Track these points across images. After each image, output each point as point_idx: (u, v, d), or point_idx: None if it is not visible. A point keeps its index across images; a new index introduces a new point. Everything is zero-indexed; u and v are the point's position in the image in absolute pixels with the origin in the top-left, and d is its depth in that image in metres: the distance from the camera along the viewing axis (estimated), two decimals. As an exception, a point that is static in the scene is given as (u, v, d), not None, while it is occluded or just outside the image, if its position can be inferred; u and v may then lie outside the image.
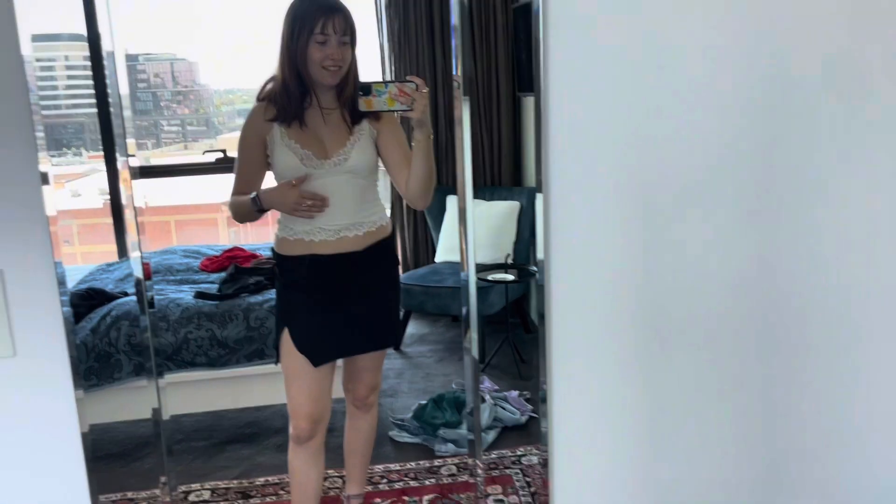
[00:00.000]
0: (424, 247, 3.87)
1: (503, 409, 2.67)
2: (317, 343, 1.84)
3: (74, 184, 5.44)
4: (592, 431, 1.33)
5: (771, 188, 1.30)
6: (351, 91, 1.75)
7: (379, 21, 3.68)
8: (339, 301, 1.84)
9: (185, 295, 2.80)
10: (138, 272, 2.05)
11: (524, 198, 3.62)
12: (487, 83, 3.79)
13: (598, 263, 1.28)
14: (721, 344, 1.33)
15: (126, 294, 2.87)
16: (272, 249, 1.91)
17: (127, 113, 1.54)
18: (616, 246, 1.28)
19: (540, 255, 1.29)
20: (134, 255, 2.33)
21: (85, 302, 2.77)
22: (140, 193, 1.50)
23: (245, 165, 1.84)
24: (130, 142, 1.54)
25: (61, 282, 1.18)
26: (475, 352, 1.57)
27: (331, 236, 1.79)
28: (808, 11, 1.24)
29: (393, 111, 1.61)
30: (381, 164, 1.90)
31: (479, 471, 2.18)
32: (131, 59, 5.70)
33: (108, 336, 2.58)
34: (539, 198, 1.28)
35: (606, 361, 1.31)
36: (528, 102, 3.71)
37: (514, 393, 2.78)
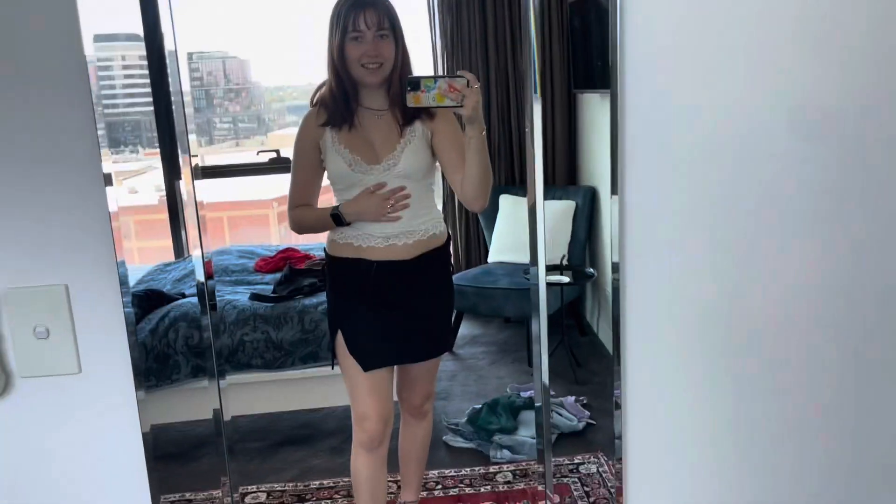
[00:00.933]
0: (476, 247, 3.82)
1: (559, 415, 2.60)
2: (367, 347, 1.83)
3: (132, 181, 5.60)
4: (670, 442, 1.27)
5: (856, 190, 1.21)
6: (399, 89, 1.69)
7: (431, 18, 3.64)
8: (389, 307, 1.81)
9: (241, 297, 2.81)
10: (200, 275, 2.07)
11: (579, 197, 3.54)
12: (542, 80, 3.71)
13: (674, 267, 1.22)
14: (811, 353, 1.26)
15: (184, 295, 2.90)
16: (324, 249, 1.89)
17: (189, 110, 1.59)
18: (694, 249, 1.22)
19: (615, 257, 1.25)
20: (195, 253, 2.36)
21: (144, 303, 2.80)
22: (197, 191, 1.53)
23: (301, 172, 1.82)
24: (192, 139, 1.57)
25: (123, 283, 1.17)
26: (545, 354, 1.54)
27: (380, 243, 1.75)
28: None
29: (442, 107, 1.56)
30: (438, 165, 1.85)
31: (548, 473, 2.13)
32: (185, 57, 5.77)
33: (167, 337, 2.60)
34: (614, 199, 1.24)
35: (685, 369, 1.25)
36: (585, 100, 3.62)
37: (571, 398, 2.72)
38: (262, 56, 5.63)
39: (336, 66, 1.68)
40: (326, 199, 2.04)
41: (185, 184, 2.07)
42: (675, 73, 1.17)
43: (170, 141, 3.67)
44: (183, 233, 3.76)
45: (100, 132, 1.13)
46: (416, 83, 1.49)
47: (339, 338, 1.83)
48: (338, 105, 1.72)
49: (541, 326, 1.53)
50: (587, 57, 3.21)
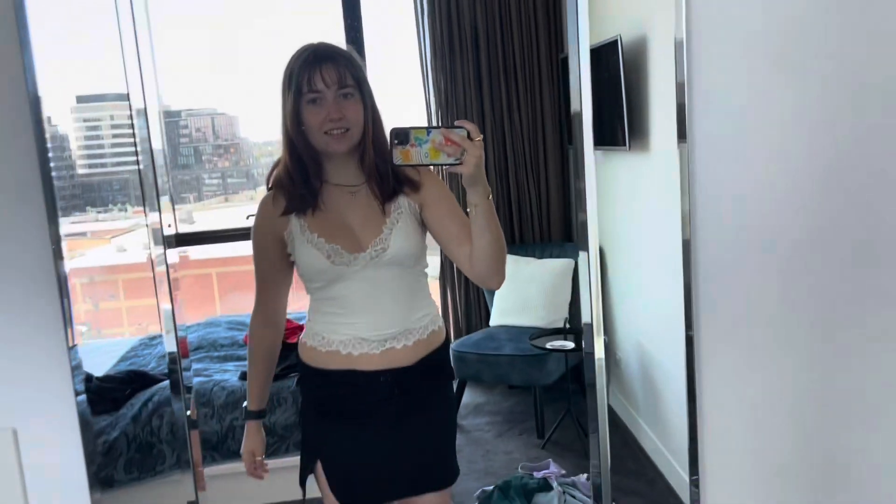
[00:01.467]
0: (477, 310, 3.69)
1: (573, 496, 2.44)
2: (358, 483, 1.48)
3: (120, 239, 5.46)
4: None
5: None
6: (373, 158, 1.41)
7: (424, 75, 3.57)
8: (386, 429, 1.46)
9: (231, 375, 2.66)
10: (171, 347, 1.95)
11: (577, 254, 3.42)
12: (533, 134, 3.64)
13: (752, 329, 1.17)
14: None
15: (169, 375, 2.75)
16: (297, 357, 1.51)
17: (161, 169, 1.50)
18: (772, 307, 1.23)
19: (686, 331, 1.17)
20: (169, 337, 2.20)
21: (125, 386, 2.64)
22: (177, 251, 1.40)
23: (264, 271, 1.49)
24: (182, 195, 1.46)
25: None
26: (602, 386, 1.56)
27: (374, 349, 1.41)
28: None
29: (438, 165, 1.24)
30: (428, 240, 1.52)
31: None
32: (174, 115, 5.79)
33: (150, 425, 2.44)
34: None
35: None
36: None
37: (583, 477, 2.56)
38: (249, 112, 5.56)
39: (292, 135, 1.37)
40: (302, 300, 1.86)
41: (151, 250, 1.94)
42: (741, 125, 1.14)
43: (157, 201, 3.51)
44: (170, 301, 3.58)
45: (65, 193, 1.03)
46: (404, 136, 1.21)
47: (319, 468, 1.50)
48: (297, 185, 1.40)
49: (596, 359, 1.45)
50: (594, 113, 3.14)
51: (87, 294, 6.28)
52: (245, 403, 1.60)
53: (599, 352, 1.49)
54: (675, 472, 2.47)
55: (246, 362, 2.92)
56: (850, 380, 1.32)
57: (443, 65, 3.52)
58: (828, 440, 1.33)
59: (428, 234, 1.50)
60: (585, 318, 1.50)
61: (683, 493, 2.27)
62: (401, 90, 3.74)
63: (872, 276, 1.31)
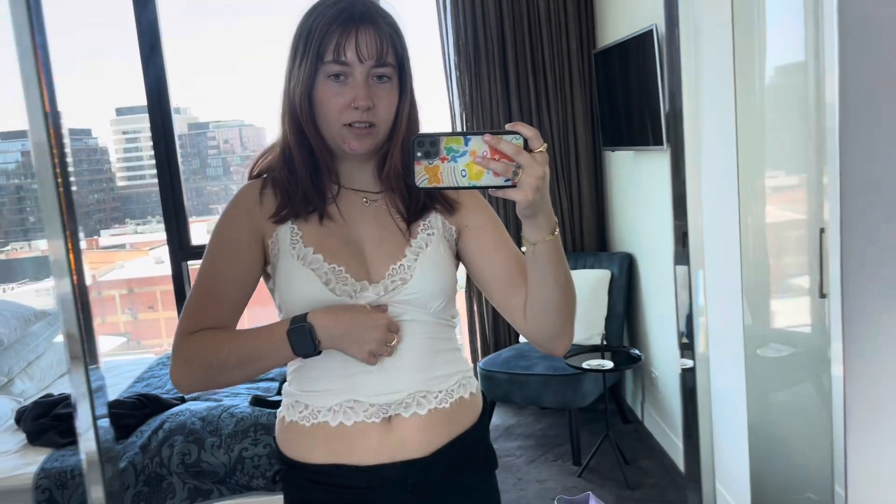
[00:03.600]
0: (505, 324, 3.48)
1: (614, 534, 2.21)
2: None
3: (158, 251, 5.45)
4: None
5: None
6: (398, 166, 1.02)
7: (448, 75, 3.38)
8: None
9: (241, 401, 2.50)
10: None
11: (615, 266, 3.20)
12: (564, 136, 3.42)
13: None
14: None
15: (183, 400, 2.61)
16: (275, 445, 1.10)
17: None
18: None
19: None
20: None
21: (136, 412, 2.51)
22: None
23: (216, 276, 1.02)
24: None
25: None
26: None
27: (373, 416, 1.00)
28: None
29: (481, 188, 0.86)
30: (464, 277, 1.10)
31: None
32: (202, 126, 5.80)
33: (160, 455, 2.29)
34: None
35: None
36: (615, 158, 3.31)
37: (626, 511, 2.33)
38: (276, 123, 5.59)
39: (301, 118, 0.99)
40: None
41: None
42: None
43: (175, 215, 3.39)
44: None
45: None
46: (431, 145, 0.84)
47: None
48: (301, 184, 1.02)
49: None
50: (627, 111, 2.92)
51: (126, 305, 6.30)
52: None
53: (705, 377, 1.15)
54: (724, 500, 2.23)
55: (258, 384, 2.77)
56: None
57: (467, 63, 3.32)
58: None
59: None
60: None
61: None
62: (422, 90, 3.57)
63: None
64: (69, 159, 1.09)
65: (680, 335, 1.09)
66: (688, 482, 1.14)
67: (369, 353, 0.97)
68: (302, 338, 0.95)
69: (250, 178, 1.08)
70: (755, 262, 1.88)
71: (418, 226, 1.04)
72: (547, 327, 1.00)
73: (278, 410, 1.10)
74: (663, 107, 2.52)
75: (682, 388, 1.08)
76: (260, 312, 1.13)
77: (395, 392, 1.01)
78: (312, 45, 0.96)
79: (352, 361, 1.00)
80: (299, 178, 1.02)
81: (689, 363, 1.11)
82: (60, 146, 1.05)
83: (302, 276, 1.00)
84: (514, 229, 0.96)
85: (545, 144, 0.84)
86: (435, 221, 1.05)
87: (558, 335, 1.00)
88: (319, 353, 0.97)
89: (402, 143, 1.02)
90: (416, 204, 1.05)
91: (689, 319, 1.04)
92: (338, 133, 0.99)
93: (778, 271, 1.89)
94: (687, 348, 1.06)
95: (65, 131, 1.09)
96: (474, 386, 1.09)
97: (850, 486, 0.91)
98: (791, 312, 1.88)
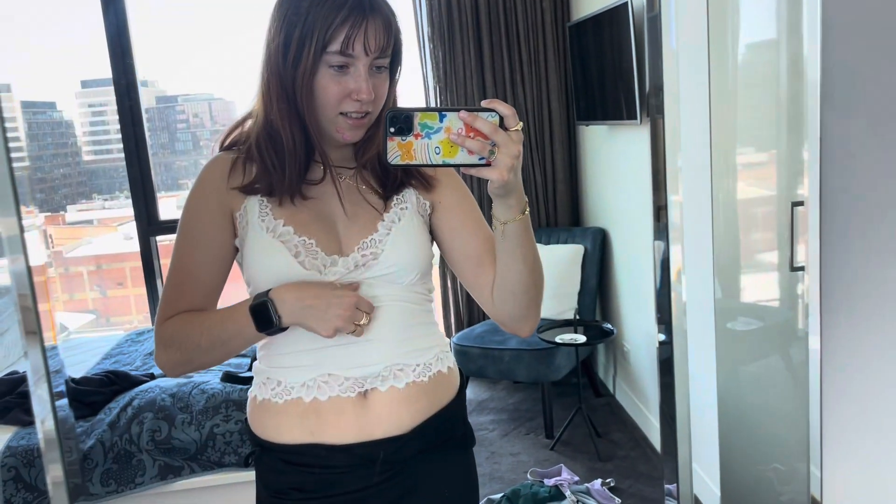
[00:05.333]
0: (479, 298, 3.49)
1: (586, 505, 2.25)
2: None
3: (126, 227, 5.35)
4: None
5: None
6: (380, 137, 0.97)
7: (421, 48, 3.33)
8: None
9: (212, 377, 2.47)
10: None
11: (588, 240, 3.21)
12: (538, 110, 3.41)
13: None
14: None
15: (153, 376, 2.57)
16: (246, 423, 1.09)
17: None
18: None
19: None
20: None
21: (105, 388, 2.47)
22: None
23: (189, 257, 1.00)
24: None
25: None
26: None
27: (348, 390, 0.98)
28: None
29: (455, 166, 0.84)
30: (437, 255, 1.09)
31: None
32: (170, 100, 5.68)
33: (129, 432, 2.26)
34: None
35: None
36: (589, 133, 3.31)
37: (597, 483, 2.37)
38: (246, 97, 5.49)
39: (301, 105, 0.96)
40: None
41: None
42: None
43: (143, 190, 3.32)
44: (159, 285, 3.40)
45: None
46: (406, 121, 0.81)
47: None
48: (284, 165, 0.98)
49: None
50: (601, 85, 2.91)
51: (95, 282, 6.19)
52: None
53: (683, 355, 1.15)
54: (696, 475, 2.27)
55: (231, 360, 2.74)
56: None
57: (441, 36, 3.28)
58: None
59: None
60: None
61: (705, 498, 2.09)
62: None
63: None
64: (20, 133, 1.05)
65: (658, 309, 1.09)
66: (664, 456, 1.15)
67: (334, 330, 0.94)
68: (264, 314, 0.94)
69: (221, 149, 1.05)
70: (726, 237, 1.89)
71: (392, 201, 1.03)
72: (513, 308, 1.00)
73: (249, 390, 1.07)
74: (637, 81, 2.51)
75: (660, 362, 1.08)
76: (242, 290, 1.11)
77: (370, 364, 0.99)
78: (317, 32, 0.93)
79: (329, 340, 0.98)
80: (289, 159, 0.98)
81: (662, 337, 1.12)
82: (1, 120, 1.00)
83: (270, 248, 0.97)
84: (486, 208, 0.95)
85: (521, 123, 0.83)
86: (409, 196, 1.04)
87: (524, 316, 1.01)
88: (284, 329, 0.96)
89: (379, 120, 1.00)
90: (393, 181, 1.03)
91: (667, 294, 1.04)
92: (332, 120, 0.97)
93: (746, 246, 1.91)
94: (663, 322, 1.06)
95: (15, 104, 1.05)
96: (451, 361, 1.08)
97: (825, 462, 0.92)
98: (760, 287, 1.91)
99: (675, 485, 1.15)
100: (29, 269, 1.07)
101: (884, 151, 0.95)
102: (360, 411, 0.99)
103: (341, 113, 0.96)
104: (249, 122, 1.03)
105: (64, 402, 2.38)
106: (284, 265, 0.97)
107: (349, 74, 0.94)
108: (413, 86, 3.40)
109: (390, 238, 1.00)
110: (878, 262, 0.95)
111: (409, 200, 1.04)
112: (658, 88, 0.93)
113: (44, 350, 1.06)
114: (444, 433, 1.05)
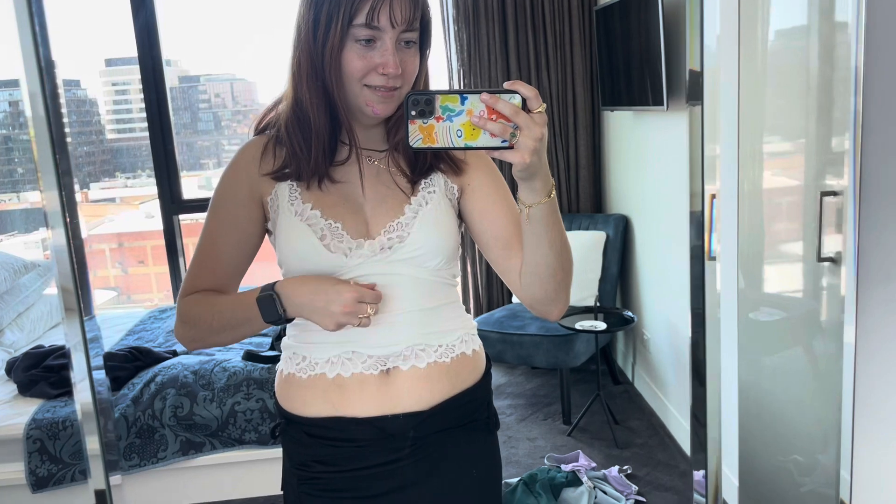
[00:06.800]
0: (499, 284, 3.48)
1: (604, 492, 2.25)
2: None
3: (149, 205, 5.40)
4: None
5: None
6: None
7: (446, 30, 3.31)
8: None
9: (234, 355, 2.50)
10: None
11: (610, 227, 3.19)
12: (563, 95, 3.38)
13: None
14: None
15: (175, 353, 2.61)
16: (274, 399, 1.12)
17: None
18: None
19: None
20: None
21: (128, 364, 2.51)
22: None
23: (218, 235, 1.03)
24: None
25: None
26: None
27: (371, 368, 1.00)
28: None
29: (477, 149, 0.83)
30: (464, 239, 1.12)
31: None
32: (192, 80, 5.69)
33: (152, 407, 2.30)
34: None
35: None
36: (613, 118, 3.28)
37: (614, 470, 2.37)
38: (268, 78, 5.45)
39: (329, 82, 0.96)
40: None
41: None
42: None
43: (166, 169, 3.35)
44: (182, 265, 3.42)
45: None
46: (427, 103, 0.81)
47: None
48: (310, 146, 0.99)
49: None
50: (627, 70, 2.88)
51: (117, 259, 6.26)
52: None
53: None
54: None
55: (252, 339, 2.76)
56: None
57: (466, 18, 3.26)
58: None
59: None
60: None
61: (724, 488, 2.08)
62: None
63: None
64: (64, 110, 1.07)
65: (694, 301, 1.08)
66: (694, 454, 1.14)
67: (336, 325, 0.95)
68: (268, 305, 0.96)
69: (256, 132, 1.07)
70: (751, 227, 1.87)
71: (420, 185, 1.04)
72: (540, 291, 0.99)
73: (278, 365, 1.10)
74: (665, 67, 2.48)
75: (693, 355, 1.08)
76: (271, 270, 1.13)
77: (393, 344, 1.01)
78: (344, 5, 0.93)
79: None
80: (315, 140, 0.99)
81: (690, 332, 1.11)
82: (55, 96, 1.02)
83: (298, 231, 0.99)
84: (512, 190, 0.95)
85: (544, 105, 0.82)
86: (437, 180, 1.04)
87: (552, 300, 1.00)
88: (290, 320, 0.98)
89: None
90: (423, 164, 1.04)
91: (702, 284, 1.03)
92: (358, 95, 0.97)
93: (771, 236, 1.89)
94: (697, 315, 1.05)
95: (59, 81, 1.07)
96: (477, 344, 1.09)
97: (856, 456, 0.91)
98: (784, 277, 1.89)
99: (702, 472, 1.15)
100: (80, 240, 1.09)
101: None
102: (383, 388, 1.01)
103: (367, 85, 0.95)
104: (282, 105, 1.04)
105: (101, 373, 2.42)
106: (310, 248, 0.99)
107: (376, 49, 0.94)
108: (437, 68, 3.39)
109: (417, 221, 1.01)
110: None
111: (436, 184, 1.04)
112: (697, 74, 0.92)
113: (82, 322, 1.07)
114: (467, 415, 1.06)
